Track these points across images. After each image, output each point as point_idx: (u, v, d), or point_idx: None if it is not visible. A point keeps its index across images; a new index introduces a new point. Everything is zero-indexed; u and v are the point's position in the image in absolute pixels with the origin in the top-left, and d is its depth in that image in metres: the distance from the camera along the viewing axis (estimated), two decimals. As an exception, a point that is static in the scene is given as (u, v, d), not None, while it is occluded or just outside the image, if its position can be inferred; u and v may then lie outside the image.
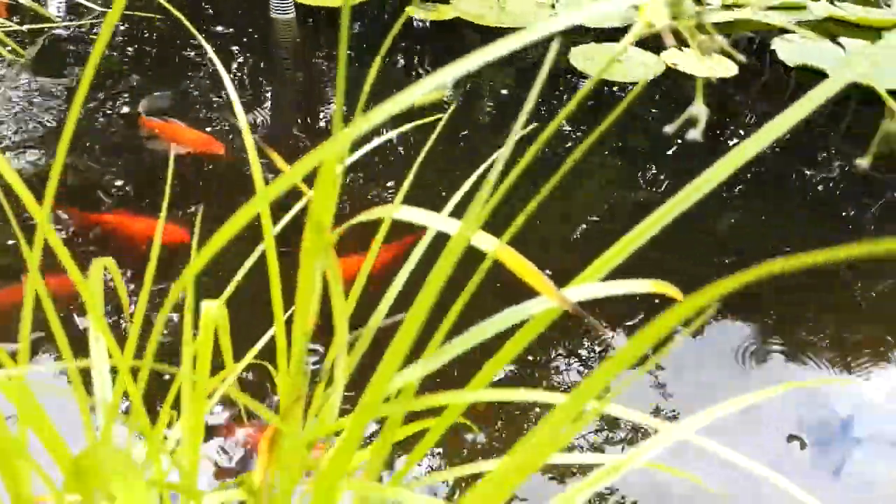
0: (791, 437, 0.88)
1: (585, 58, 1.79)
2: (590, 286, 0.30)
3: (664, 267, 1.04)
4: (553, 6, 2.13)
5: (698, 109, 0.31)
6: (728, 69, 1.80)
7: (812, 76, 1.82)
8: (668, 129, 0.31)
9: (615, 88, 1.70)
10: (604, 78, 1.71)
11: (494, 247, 0.27)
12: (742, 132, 1.58)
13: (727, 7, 2.21)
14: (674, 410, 0.91)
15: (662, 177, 1.39)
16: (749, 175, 1.40)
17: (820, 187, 1.41)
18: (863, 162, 0.37)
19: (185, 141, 1.32)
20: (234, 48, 1.74)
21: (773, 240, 1.24)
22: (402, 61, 1.80)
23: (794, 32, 2.06)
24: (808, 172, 1.45)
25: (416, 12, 2.01)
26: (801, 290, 1.11)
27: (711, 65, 1.82)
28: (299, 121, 1.52)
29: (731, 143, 1.53)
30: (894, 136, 0.34)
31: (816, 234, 1.26)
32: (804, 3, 2.27)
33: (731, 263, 1.16)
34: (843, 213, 1.35)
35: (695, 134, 0.31)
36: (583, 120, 1.57)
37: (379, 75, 0.33)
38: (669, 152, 1.48)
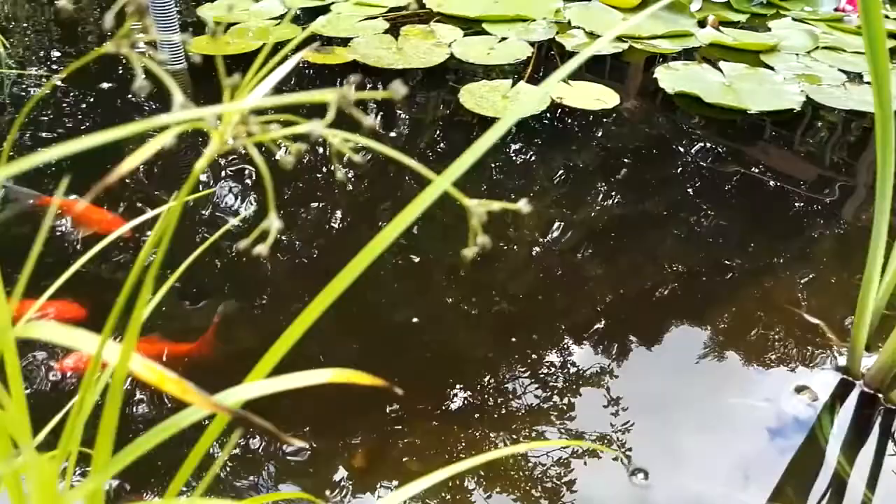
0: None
1: (475, 98, 1.86)
2: (259, 384, 0.34)
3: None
4: (450, 45, 2.19)
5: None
6: (611, 99, 1.88)
7: (690, 101, 1.91)
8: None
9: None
10: (494, 116, 1.77)
11: (129, 362, 0.31)
12: (611, 162, 1.65)
13: (620, 39, 2.31)
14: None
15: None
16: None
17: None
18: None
19: (87, 222, 1.30)
20: (119, 102, 1.76)
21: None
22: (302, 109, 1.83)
23: (679, 60, 2.17)
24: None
25: (313, 57, 2.06)
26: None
27: (595, 95, 1.90)
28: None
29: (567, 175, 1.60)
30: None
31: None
32: (691, 31, 2.38)
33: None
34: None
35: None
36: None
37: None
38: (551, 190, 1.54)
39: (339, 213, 1.39)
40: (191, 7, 2.41)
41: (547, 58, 2.16)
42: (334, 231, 1.34)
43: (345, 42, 2.17)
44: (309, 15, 2.39)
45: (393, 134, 1.72)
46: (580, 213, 1.43)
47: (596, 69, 2.12)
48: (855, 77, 2.10)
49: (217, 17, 2.30)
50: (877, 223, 0.94)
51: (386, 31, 2.27)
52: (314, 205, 1.41)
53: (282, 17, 2.34)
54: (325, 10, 2.44)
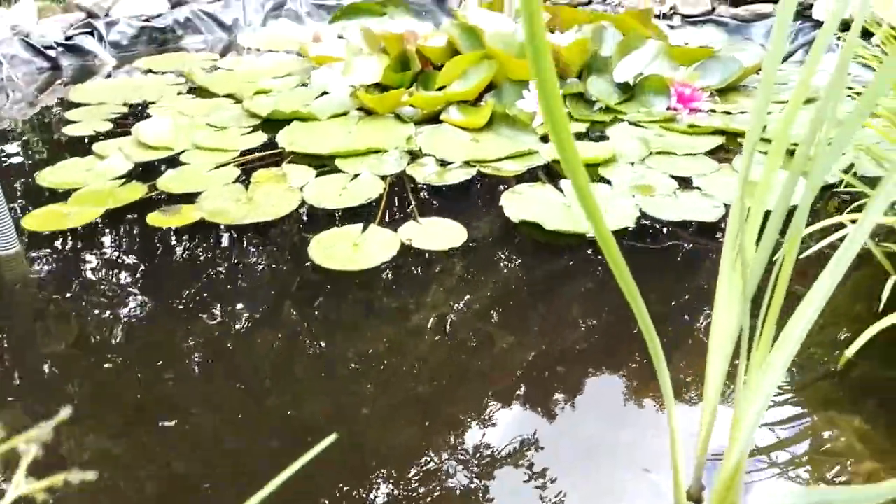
0: None
1: (324, 249, 1.87)
2: None
3: None
4: (302, 189, 2.22)
5: None
6: (459, 237, 1.94)
7: (533, 228, 1.98)
8: None
9: (359, 278, 1.77)
10: (342, 270, 1.78)
11: None
12: (451, 302, 1.69)
13: (468, 164, 2.39)
14: None
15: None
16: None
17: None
18: None
19: None
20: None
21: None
22: (144, 280, 1.80)
23: (524, 182, 2.26)
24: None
25: (157, 221, 2.03)
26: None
27: (443, 233, 1.95)
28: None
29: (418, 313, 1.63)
30: None
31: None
32: (535, 148, 2.50)
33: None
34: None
35: None
36: (326, 313, 1.63)
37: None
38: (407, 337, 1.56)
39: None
40: (28, 172, 2.36)
41: (399, 193, 2.20)
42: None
43: (192, 197, 2.15)
44: (156, 169, 2.36)
45: (223, 307, 1.70)
46: (410, 379, 1.45)
47: (446, 201, 2.18)
48: (683, 183, 2.23)
49: (57, 184, 2.25)
50: (663, 384, 0.99)
51: (237, 180, 2.28)
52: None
53: (127, 175, 2.31)
54: (174, 161, 2.43)
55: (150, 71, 3.51)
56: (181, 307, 1.65)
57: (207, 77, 3.29)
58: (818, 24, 3.62)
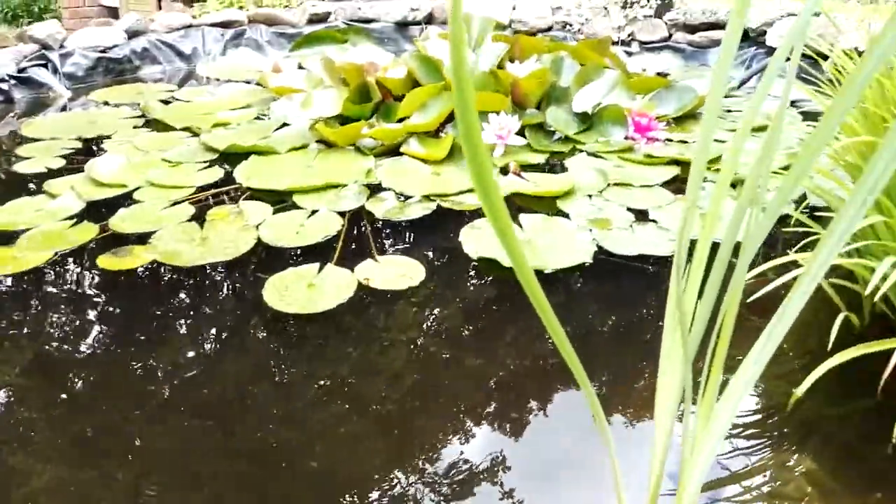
0: None
1: (279, 291, 1.84)
2: None
3: None
4: (258, 227, 2.19)
5: None
6: (418, 275, 1.92)
7: (492, 265, 1.98)
8: None
9: (314, 322, 1.74)
10: (297, 313, 1.76)
11: None
12: (413, 350, 1.67)
13: (428, 198, 2.39)
14: None
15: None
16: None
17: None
18: None
19: None
20: None
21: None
22: (92, 327, 1.76)
23: (483, 217, 2.26)
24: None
25: (108, 263, 1.99)
26: None
27: (401, 272, 1.94)
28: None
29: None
30: None
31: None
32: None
33: None
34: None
35: None
36: (279, 360, 1.60)
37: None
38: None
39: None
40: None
41: (357, 229, 2.19)
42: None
43: (146, 238, 2.12)
44: (109, 208, 2.32)
45: (173, 356, 1.67)
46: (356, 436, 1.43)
47: (405, 237, 2.17)
48: (639, 216, 2.25)
49: (5, 225, 2.19)
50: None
51: (191, 218, 2.25)
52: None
53: (79, 215, 2.27)
54: (127, 199, 2.39)
55: (105, 103, 3.46)
56: (130, 355, 1.62)
57: (164, 110, 3.26)
58: (772, 51, 3.69)
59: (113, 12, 7.13)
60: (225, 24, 4.31)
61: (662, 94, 3.17)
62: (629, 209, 2.30)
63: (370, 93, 3.10)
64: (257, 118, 3.19)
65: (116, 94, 3.62)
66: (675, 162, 2.66)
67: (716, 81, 0.92)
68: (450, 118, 2.93)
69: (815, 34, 3.46)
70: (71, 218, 2.25)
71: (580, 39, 4.37)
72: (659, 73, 3.97)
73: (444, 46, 3.28)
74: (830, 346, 1.42)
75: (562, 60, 3.24)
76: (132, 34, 4.01)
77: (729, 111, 3.30)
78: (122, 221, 2.22)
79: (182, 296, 1.87)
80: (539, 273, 1.93)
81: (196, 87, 3.69)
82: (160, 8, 6.05)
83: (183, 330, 1.73)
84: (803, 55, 3.17)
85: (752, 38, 3.89)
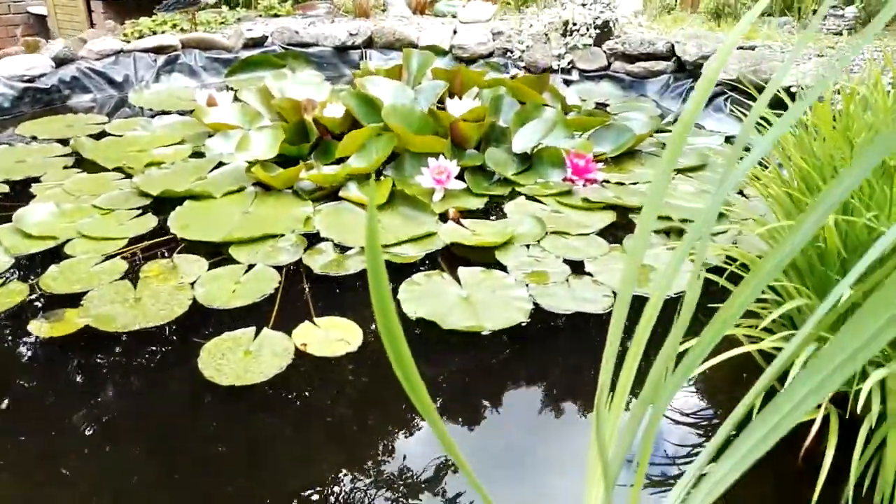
0: None
1: (215, 360, 1.82)
2: None
3: None
4: (193, 285, 2.15)
5: None
6: (355, 339, 1.92)
7: (431, 325, 1.98)
8: None
9: (249, 395, 1.72)
10: (232, 385, 1.74)
11: None
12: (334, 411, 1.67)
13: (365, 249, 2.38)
14: None
15: None
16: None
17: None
18: None
19: None
20: None
21: None
22: (21, 400, 1.70)
23: (423, 269, 2.26)
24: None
25: (40, 329, 1.94)
26: None
27: (339, 336, 1.93)
28: None
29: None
30: None
31: None
32: (433, 229, 2.50)
33: None
34: None
35: None
36: (213, 437, 1.58)
37: None
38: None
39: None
40: None
41: (295, 286, 2.17)
42: None
43: (78, 299, 2.06)
44: (39, 264, 2.26)
45: (105, 432, 1.63)
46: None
47: (343, 294, 2.16)
48: (575, 268, 2.28)
49: (-73, 290, 2.11)
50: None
51: (125, 275, 2.20)
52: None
53: (7, 272, 2.19)
54: (58, 252, 2.32)
55: (34, 138, 3.35)
56: (61, 431, 1.57)
57: (95, 147, 3.17)
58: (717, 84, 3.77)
59: (41, 21, 6.91)
60: (157, 50, 4.22)
61: (601, 132, 3.23)
62: (566, 260, 2.33)
63: (308, 132, 3.07)
64: (192, 155, 3.13)
65: (45, 127, 3.51)
66: (612, 207, 2.70)
67: (648, 208, 0.94)
68: (389, 160, 2.92)
69: (750, 68, 3.58)
70: (-2, 277, 2.18)
71: (521, 67, 4.41)
72: (598, 104, 4.04)
73: (383, 85, 3.27)
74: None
75: (501, 99, 3.26)
76: (60, 62, 3.89)
77: (665, 147, 3.37)
78: (52, 280, 2.16)
79: (114, 368, 1.82)
80: (476, 334, 1.95)
81: (128, 120, 3.59)
82: (91, 23, 5.89)
83: (114, 405, 1.69)
84: (738, 89, 3.24)
85: (689, 71, 3.98)
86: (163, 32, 4.97)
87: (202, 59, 4.32)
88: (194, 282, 2.17)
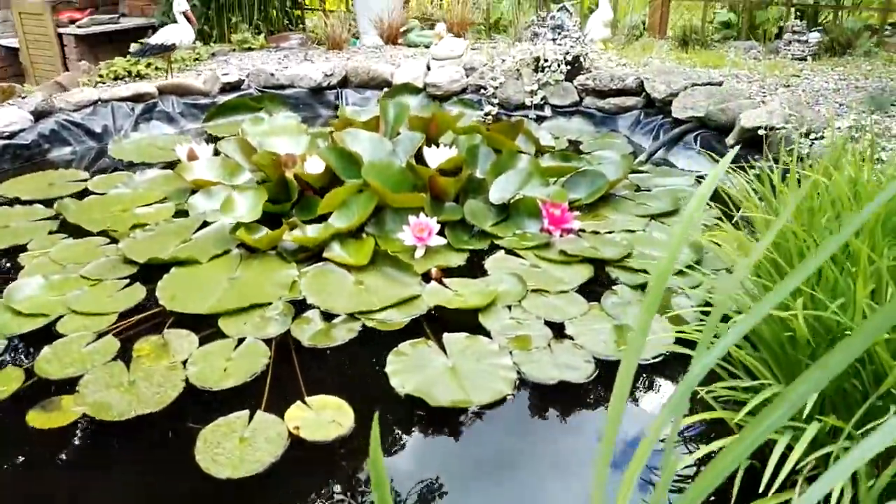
0: None
1: (211, 449, 1.87)
2: None
3: None
4: (185, 364, 2.20)
5: None
6: (347, 420, 1.98)
7: (420, 400, 2.05)
8: None
9: (247, 488, 1.78)
10: (229, 478, 1.80)
11: None
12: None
13: (352, 316, 2.44)
14: None
15: None
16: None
17: None
18: None
19: None
20: None
21: None
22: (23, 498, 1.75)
23: (408, 340, 2.33)
24: None
25: (38, 419, 1.98)
26: None
27: (330, 417, 1.99)
28: None
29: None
30: None
31: None
32: (417, 292, 2.58)
33: None
34: None
35: None
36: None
37: None
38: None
39: None
40: None
41: (285, 361, 2.23)
42: None
43: (73, 384, 2.11)
44: (32, 344, 2.30)
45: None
46: None
47: (333, 369, 2.23)
48: (556, 331, 2.36)
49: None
50: None
51: (117, 356, 2.24)
52: None
53: (1, 356, 2.24)
54: (49, 331, 2.36)
55: (16, 200, 3.37)
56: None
57: (79, 208, 3.21)
58: (678, 122, 3.89)
59: (13, 54, 6.89)
60: (135, 98, 4.25)
61: (575, 178, 3.32)
62: (546, 322, 2.41)
63: (290, 189, 3.13)
64: (176, 214, 3.18)
65: (27, 186, 3.53)
66: (589, 260, 2.79)
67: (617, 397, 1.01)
68: (371, 215, 2.99)
69: (718, 105, 3.69)
70: (-10, 359, 2.21)
71: (495, 103, 4.50)
72: (571, 142, 4.14)
73: (362, 139, 3.33)
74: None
75: (477, 148, 3.35)
76: (39, 115, 3.91)
77: (638, 189, 3.47)
78: (47, 364, 2.20)
79: (112, 462, 1.87)
80: (463, 410, 2.03)
81: (109, 176, 3.62)
82: (64, 57, 5.89)
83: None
84: (708, 129, 3.35)
85: (659, 107, 4.09)
86: (138, 73, 5.00)
87: (180, 106, 4.36)
88: (186, 360, 2.22)
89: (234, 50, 6.15)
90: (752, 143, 3.45)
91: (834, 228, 1.89)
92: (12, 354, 2.27)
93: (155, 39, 4.45)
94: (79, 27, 6.68)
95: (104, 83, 5.24)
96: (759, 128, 3.39)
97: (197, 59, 5.59)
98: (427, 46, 5.89)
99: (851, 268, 1.65)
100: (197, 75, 4.74)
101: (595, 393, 2.12)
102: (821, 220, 1.93)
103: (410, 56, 5.64)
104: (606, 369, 2.20)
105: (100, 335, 2.35)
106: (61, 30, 6.74)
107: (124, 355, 2.25)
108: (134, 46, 5.41)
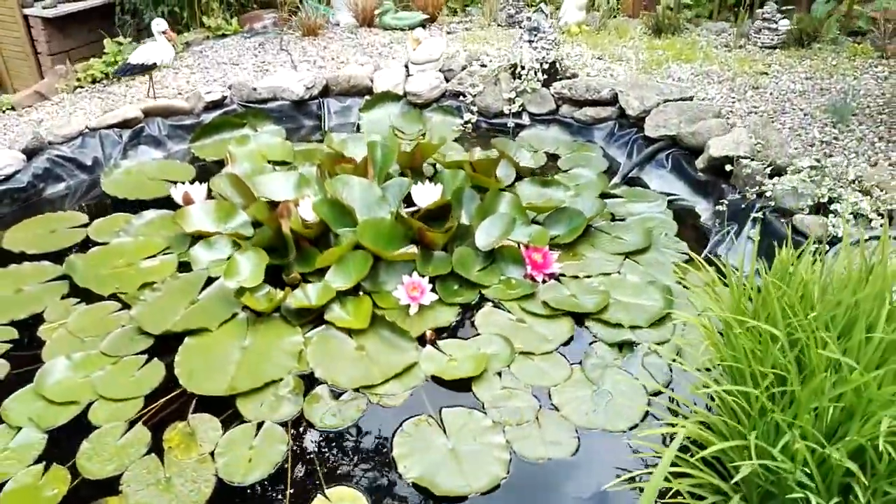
0: None
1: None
2: None
3: None
4: (213, 455, 2.46)
5: None
6: (364, 512, 2.26)
7: (424, 490, 2.33)
8: None
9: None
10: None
11: None
12: None
13: (357, 390, 2.69)
14: None
15: None
16: None
17: None
18: None
19: None
20: None
21: None
22: None
23: (411, 419, 2.59)
24: None
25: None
26: None
27: (350, 511, 2.27)
28: None
29: None
30: None
31: None
32: (415, 359, 2.82)
33: None
34: None
35: None
36: None
37: None
38: None
39: None
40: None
41: (302, 447, 2.48)
42: None
43: (115, 484, 2.35)
44: (70, 437, 2.52)
45: None
46: None
47: (347, 454, 2.49)
48: (542, 402, 2.63)
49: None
50: None
51: (150, 449, 2.47)
52: None
53: (45, 454, 2.45)
54: (83, 421, 2.58)
55: (23, 255, 3.51)
56: None
57: (86, 265, 3.36)
58: (650, 140, 4.06)
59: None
60: (122, 125, 4.31)
61: (554, 215, 3.53)
62: (534, 394, 2.67)
63: (287, 242, 3.31)
64: (180, 266, 3.36)
65: (29, 235, 3.64)
66: (571, 314, 3.03)
67: None
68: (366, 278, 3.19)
69: (689, 126, 3.87)
70: (38, 461, 2.44)
71: (474, 111, 4.62)
72: (549, 155, 4.31)
73: (353, 187, 3.49)
74: None
75: (462, 192, 3.53)
76: (30, 153, 3.99)
77: (613, 218, 3.69)
78: (87, 462, 2.42)
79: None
80: (463, 498, 2.31)
81: (108, 219, 3.75)
82: (42, 75, 5.85)
83: None
84: (680, 147, 3.55)
85: (633, 122, 4.25)
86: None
87: (165, 128, 4.43)
88: (213, 451, 2.47)
89: (207, 37, 6.13)
90: (720, 169, 3.66)
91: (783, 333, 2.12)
92: (55, 450, 2.50)
93: (135, 59, 4.48)
94: (45, 8, 6.56)
95: (82, 87, 5.28)
96: (727, 157, 3.58)
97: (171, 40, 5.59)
98: (402, 30, 5.93)
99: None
100: (178, 94, 4.80)
101: (578, 469, 2.40)
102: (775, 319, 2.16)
103: (387, 44, 5.69)
104: (587, 442, 2.48)
105: (131, 424, 2.58)
106: (27, 11, 6.62)
107: (156, 446, 2.49)
108: (110, 47, 5.41)
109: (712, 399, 2.24)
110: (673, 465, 2.13)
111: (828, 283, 2.24)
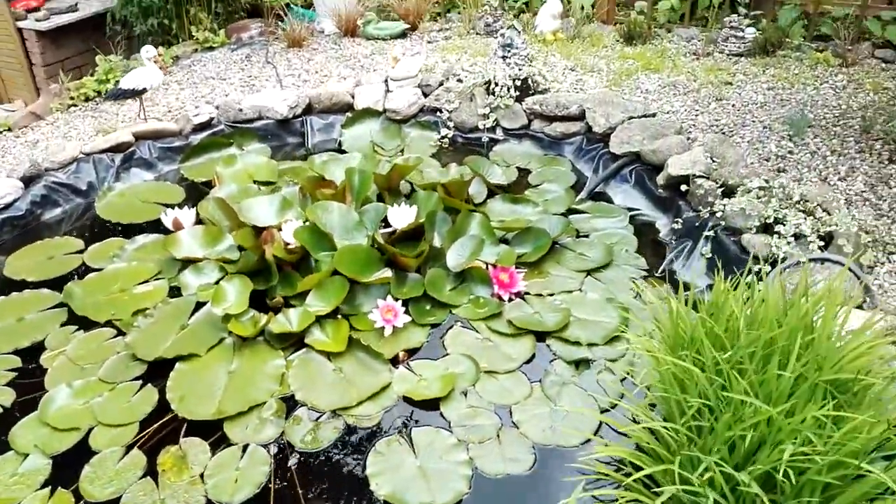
0: None
1: (235, 570, 2.41)
2: None
3: None
4: (203, 477, 2.70)
5: None
6: (338, 528, 2.52)
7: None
8: None
9: None
10: None
11: None
12: None
13: (334, 413, 2.93)
14: None
15: None
16: None
17: None
18: None
19: None
20: None
21: None
22: None
23: (383, 438, 2.83)
24: None
25: (93, 546, 2.49)
26: None
27: (326, 527, 2.52)
28: None
29: None
30: None
31: None
32: (388, 380, 3.06)
33: None
34: None
35: None
36: None
37: None
38: None
39: None
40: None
41: (283, 467, 2.73)
42: None
43: (116, 506, 2.61)
44: (72, 463, 2.77)
45: None
46: None
47: (324, 475, 2.73)
48: (503, 419, 2.88)
49: (-8, 513, 2.63)
50: None
51: (145, 472, 2.72)
52: None
53: (50, 478, 2.70)
54: (84, 448, 2.83)
55: (24, 283, 3.74)
56: None
57: (83, 291, 3.59)
58: (615, 157, 4.27)
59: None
60: (114, 149, 4.52)
61: (521, 235, 3.76)
62: (496, 412, 2.91)
63: (270, 267, 3.54)
64: (171, 291, 3.59)
65: (28, 262, 3.86)
66: (534, 333, 3.26)
67: None
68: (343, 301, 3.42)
69: (651, 143, 4.08)
70: (45, 485, 2.69)
71: (450, 126, 4.83)
72: (520, 169, 4.52)
73: (332, 213, 3.72)
74: None
75: (435, 215, 3.74)
76: (28, 181, 4.21)
77: (578, 234, 3.91)
78: (90, 485, 2.67)
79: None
80: (432, 511, 2.56)
81: (103, 245, 3.97)
82: (38, 93, 6.04)
83: None
84: (643, 163, 3.78)
85: (599, 138, 4.45)
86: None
87: (156, 150, 4.64)
88: (203, 473, 2.71)
89: (196, 50, 6.31)
90: (678, 187, 3.87)
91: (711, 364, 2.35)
92: (58, 474, 2.75)
93: (126, 84, 4.68)
94: (38, 20, 6.73)
95: (76, 105, 5.48)
96: (684, 176, 3.80)
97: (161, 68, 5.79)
98: (385, 40, 6.11)
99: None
100: (167, 111, 5.01)
101: (535, 483, 2.64)
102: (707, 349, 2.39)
103: (369, 55, 5.88)
104: (543, 458, 2.72)
105: (128, 448, 2.82)
106: (20, 24, 6.79)
107: (151, 469, 2.73)
108: (102, 66, 5.61)
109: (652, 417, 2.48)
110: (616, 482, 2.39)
111: (753, 316, 2.47)
